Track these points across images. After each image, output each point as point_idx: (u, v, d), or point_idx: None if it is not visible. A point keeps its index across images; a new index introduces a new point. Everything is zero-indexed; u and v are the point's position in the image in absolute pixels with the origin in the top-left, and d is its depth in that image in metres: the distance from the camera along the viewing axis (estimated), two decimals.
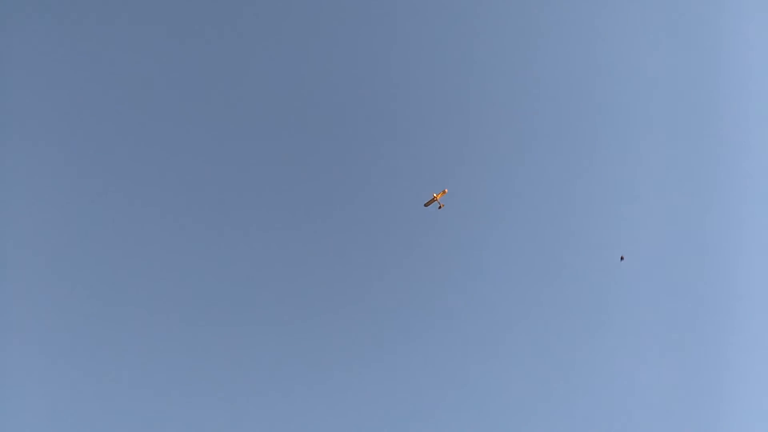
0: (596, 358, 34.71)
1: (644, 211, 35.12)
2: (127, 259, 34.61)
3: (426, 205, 28.68)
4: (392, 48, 35.60)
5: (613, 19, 35.02)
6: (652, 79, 34.64)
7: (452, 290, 36.23)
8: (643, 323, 34.88)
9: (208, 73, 35.61)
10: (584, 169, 36.05)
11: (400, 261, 36.44)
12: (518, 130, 36.26)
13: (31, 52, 32.94)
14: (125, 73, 34.59)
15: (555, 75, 36.05)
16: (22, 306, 32.77)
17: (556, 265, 36.24)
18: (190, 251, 35.35)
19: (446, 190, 28.30)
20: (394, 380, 35.13)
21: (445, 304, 36.23)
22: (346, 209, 35.53)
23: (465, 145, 36.69)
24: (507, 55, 35.61)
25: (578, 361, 34.75)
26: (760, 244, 33.25)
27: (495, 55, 35.92)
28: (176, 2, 34.93)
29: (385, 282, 36.10)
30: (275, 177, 35.54)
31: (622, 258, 27.16)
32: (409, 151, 36.54)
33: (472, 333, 36.05)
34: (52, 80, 33.82)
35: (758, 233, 33.26)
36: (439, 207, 29.00)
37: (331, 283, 36.02)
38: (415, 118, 37.26)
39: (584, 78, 35.90)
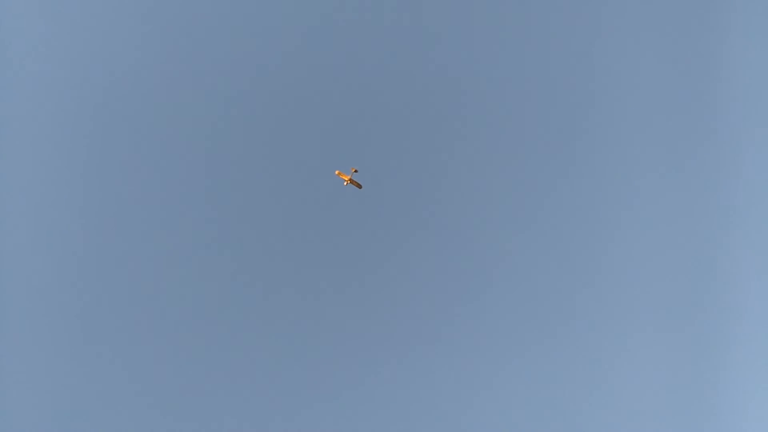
0: (597, 359, 34.92)
1: (644, 211, 35.33)
2: (125, 258, 34.77)
3: (347, 182, 28.66)
4: (383, 47, 35.73)
5: (611, 17, 35.25)
6: (651, 78, 34.85)
7: (449, 291, 36.39)
8: (644, 324, 35.11)
9: (206, 73, 35.76)
10: (583, 169, 36.27)
11: (401, 260, 36.55)
12: (515, 129, 36.45)
13: (30, 52, 33.14)
14: (123, 73, 34.75)
15: (553, 74, 36.23)
16: (21, 306, 32.96)
17: (555, 264, 36.41)
18: (189, 251, 35.48)
19: (354, 170, 28.41)
20: (396, 381, 35.30)
21: (442, 305, 36.40)
22: (346, 208, 35.68)
23: (462, 145, 36.84)
24: (504, 53, 35.83)
25: (579, 361, 34.95)
26: (760, 244, 33.45)
27: (493, 54, 36.16)
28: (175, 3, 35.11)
29: (387, 282, 36.20)
30: (272, 176, 35.65)
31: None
32: (410, 151, 36.62)
33: (469, 333, 36.23)
34: (51, 79, 34.03)
35: (759, 233, 33.46)
36: (354, 171, 28.60)
37: (333, 282, 36.16)
38: (412, 118, 37.37)
39: (582, 77, 36.12)
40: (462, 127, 37.75)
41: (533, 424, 34.82)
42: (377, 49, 37.64)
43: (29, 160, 33.72)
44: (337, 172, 28.57)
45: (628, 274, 35.90)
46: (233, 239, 36.06)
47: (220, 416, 33.72)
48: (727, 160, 35.19)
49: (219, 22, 36.54)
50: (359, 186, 29.78)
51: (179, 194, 35.95)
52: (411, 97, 37.92)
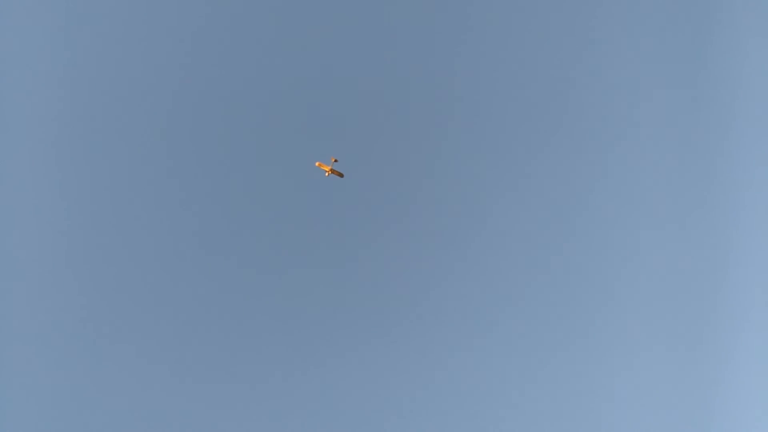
0: (592, 359, 34.63)
1: (643, 210, 35.03)
2: (124, 258, 34.73)
3: (329, 172, 28.37)
4: (381, 47, 35.53)
5: (611, 16, 34.95)
6: (651, 78, 34.53)
7: (445, 288, 36.14)
8: (641, 324, 34.81)
9: (205, 73, 35.66)
10: (580, 168, 35.96)
11: (392, 258, 36.30)
12: (512, 129, 36.18)
13: (30, 52, 33.16)
14: (122, 73, 34.71)
15: (552, 74, 35.95)
16: (22, 306, 32.99)
17: (549, 264, 36.10)
18: (184, 251, 35.38)
19: (333, 159, 28.10)
20: (388, 380, 35.09)
21: (436, 302, 36.17)
22: (333, 207, 35.44)
23: (459, 144, 36.60)
24: (503, 53, 35.56)
25: (574, 361, 34.67)
26: (760, 244, 33.13)
27: (491, 53, 35.88)
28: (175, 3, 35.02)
29: (375, 278, 35.99)
30: (266, 177, 35.53)
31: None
32: (399, 149, 36.36)
33: (464, 332, 35.97)
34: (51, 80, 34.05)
35: (759, 233, 33.14)
36: (334, 161, 28.30)
37: (319, 280, 35.97)
38: (409, 117, 37.15)
39: (581, 77, 35.82)
40: (452, 126, 37.57)
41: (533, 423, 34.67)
42: (368, 48, 37.53)
43: (26, 161, 33.83)
44: (317, 164, 28.28)
45: (626, 276, 35.68)
46: (215, 238, 35.95)
47: (207, 414, 33.71)
48: (728, 161, 34.92)
49: (190, 27, 36.44)
50: (341, 175, 28.80)
51: (155, 196, 35.89)
52: (400, 95, 37.77)
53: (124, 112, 33.58)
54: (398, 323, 34.68)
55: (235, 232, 35.14)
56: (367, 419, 33.57)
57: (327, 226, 35.42)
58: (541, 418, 33.22)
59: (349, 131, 35.12)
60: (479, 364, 34.13)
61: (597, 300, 34.53)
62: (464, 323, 35.15)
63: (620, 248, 34.71)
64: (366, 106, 36.08)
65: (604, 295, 34.48)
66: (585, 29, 34.97)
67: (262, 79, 36.23)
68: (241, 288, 34.83)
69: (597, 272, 34.52)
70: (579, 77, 35.10)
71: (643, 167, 34.59)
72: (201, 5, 33.94)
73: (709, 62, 33.90)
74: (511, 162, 35.50)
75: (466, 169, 35.64)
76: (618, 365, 33.60)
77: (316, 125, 35.39)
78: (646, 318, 33.99)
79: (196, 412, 32.98)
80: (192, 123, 35.38)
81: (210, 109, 35.66)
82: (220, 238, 34.93)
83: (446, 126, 36.00)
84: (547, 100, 35.53)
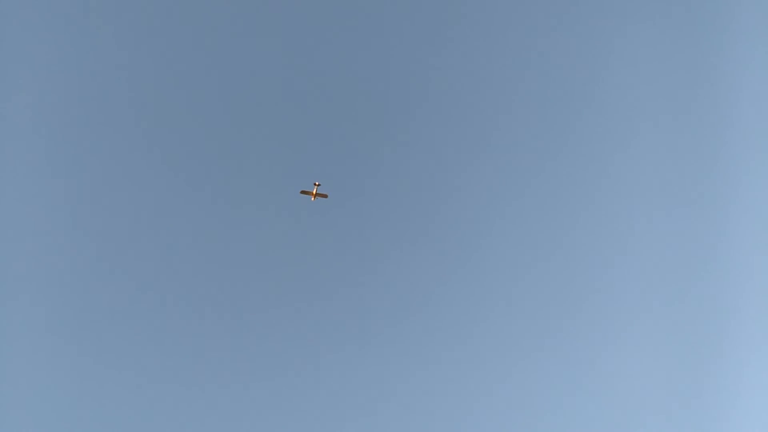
0: (592, 359, 34.66)
1: (641, 210, 35.03)
2: (123, 258, 34.74)
3: (313, 196, 29.11)
4: (379, 47, 35.52)
5: (610, 16, 34.92)
6: (651, 77, 34.52)
7: (444, 288, 36.19)
8: (641, 324, 34.83)
9: (205, 73, 35.67)
10: (579, 168, 35.96)
11: (392, 258, 36.34)
12: (511, 128, 36.17)
13: (30, 52, 33.15)
14: (123, 73, 34.72)
15: (552, 73, 35.92)
16: (21, 306, 33.00)
17: (549, 263, 36.12)
18: (183, 250, 35.40)
19: (316, 184, 28.78)
20: (388, 380, 35.14)
21: (436, 302, 36.21)
22: (335, 207, 35.48)
23: (459, 143, 36.63)
24: (503, 52, 35.55)
25: (574, 361, 34.70)
26: (759, 243, 33.12)
27: (492, 52, 35.87)
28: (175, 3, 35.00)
29: (375, 278, 36.04)
30: (265, 175, 35.55)
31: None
32: (402, 149, 36.44)
33: (462, 332, 36.03)
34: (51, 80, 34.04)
35: (758, 233, 33.14)
36: (317, 185, 28.97)
37: (319, 279, 36.03)
38: (411, 118, 37.21)
39: (581, 76, 35.78)
40: (445, 129, 37.61)
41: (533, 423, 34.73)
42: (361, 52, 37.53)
43: (26, 161, 33.88)
44: (302, 192, 28.89)
45: (624, 275, 35.70)
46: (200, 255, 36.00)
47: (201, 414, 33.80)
48: (727, 160, 34.93)
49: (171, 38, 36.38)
50: (325, 196, 29.47)
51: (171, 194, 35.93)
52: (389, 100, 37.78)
53: (99, 122, 33.59)
54: (387, 324, 34.75)
55: (222, 240, 35.18)
56: (362, 417, 33.62)
57: (320, 233, 35.49)
58: (538, 417, 33.27)
59: (336, 140, 35.16)
60: (471, 364, 34.19)
61: (594, 300, 34.60)
62: (458, 324, 35.21)
63: (619, 247, 34.76)
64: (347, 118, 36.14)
65: (601, 294, 34.55)
66: (585, 29, 34.95)
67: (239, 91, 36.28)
68: (234, 292, 34.88)
69: (595, 272, 34.59)
70: (577, 77, 35.09)
71: (642, 167, 34.64)
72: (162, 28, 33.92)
73: (709, 62, 33.91)
74: (508, 162, 35.51)
75: (459, 170, 35.68)
76: (615, 364, 33.67)
77: (303, 133, 35.47)
78: (645, 317, 34.04)
79: (185, 410, 33.02)
80: (185, 124, 35.36)
81: (202, 112, 35.67)
82: (213, 245, 34.99)
83: (436, 129, 36.04)
84: (544, 99, 35.50)
